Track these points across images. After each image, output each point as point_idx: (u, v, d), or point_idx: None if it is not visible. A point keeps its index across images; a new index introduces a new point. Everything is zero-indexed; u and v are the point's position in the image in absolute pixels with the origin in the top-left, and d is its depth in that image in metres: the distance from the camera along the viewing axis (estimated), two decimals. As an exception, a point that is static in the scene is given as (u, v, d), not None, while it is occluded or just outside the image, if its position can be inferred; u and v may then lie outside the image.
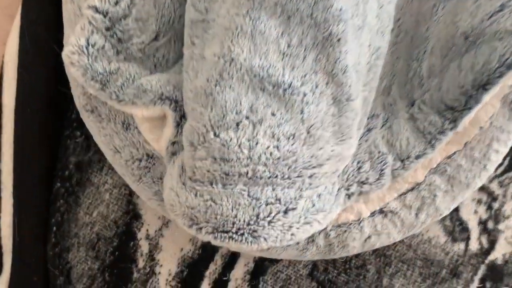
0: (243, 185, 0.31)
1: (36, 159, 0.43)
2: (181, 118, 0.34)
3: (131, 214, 0.43)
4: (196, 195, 0.31)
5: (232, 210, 0.31)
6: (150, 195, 0.38)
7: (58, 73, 0.40)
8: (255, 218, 0.31)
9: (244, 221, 0.31)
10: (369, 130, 0.35)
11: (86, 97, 0.37)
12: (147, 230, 0.44)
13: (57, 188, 0.44)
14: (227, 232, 0.31)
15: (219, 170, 0.30)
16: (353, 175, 0.35)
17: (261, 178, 0.30)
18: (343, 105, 0.31)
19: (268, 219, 0.31)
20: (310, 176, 0.31)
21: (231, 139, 0.30)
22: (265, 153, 0.30)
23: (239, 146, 0.30)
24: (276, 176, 0.31)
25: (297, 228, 0.32)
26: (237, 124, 0.30)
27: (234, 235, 0.31)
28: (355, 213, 0.36)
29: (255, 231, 0.31)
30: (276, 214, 0.31)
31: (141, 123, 0.36)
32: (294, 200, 0.31)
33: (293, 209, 0.31)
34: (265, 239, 0.31)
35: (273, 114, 0.30)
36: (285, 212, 0.31)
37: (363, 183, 0.35)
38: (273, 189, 0.31)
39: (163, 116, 0.35)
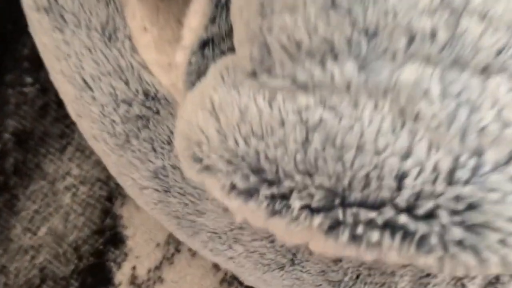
0: (422, 60, 0.15)
1: None
2: None
3: (108, 234, 0.34)
4: (271, 101, 0.16)
5: (398, 141, 0.14)
6: (146, 180, 0.28)
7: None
8: (468, 172, 0.14)
9: (439, 177, 0.14)
10: None
11: (40, -19, 0.28)
12: (134, 269, 0.34)
13: (-23, 173, 0.36)
14: (380, 206, 0.14)
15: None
16: None
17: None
18: None
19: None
20: None
21: None
22: None
23: None
24: None
25: None
26: None
27: (403, 219, 0.14)
28: None
29: (464, 221, 0.14)
30: None
31: (140, 29, 0.26)
32: None
33: None
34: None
35: None
36: None
37: None
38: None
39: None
